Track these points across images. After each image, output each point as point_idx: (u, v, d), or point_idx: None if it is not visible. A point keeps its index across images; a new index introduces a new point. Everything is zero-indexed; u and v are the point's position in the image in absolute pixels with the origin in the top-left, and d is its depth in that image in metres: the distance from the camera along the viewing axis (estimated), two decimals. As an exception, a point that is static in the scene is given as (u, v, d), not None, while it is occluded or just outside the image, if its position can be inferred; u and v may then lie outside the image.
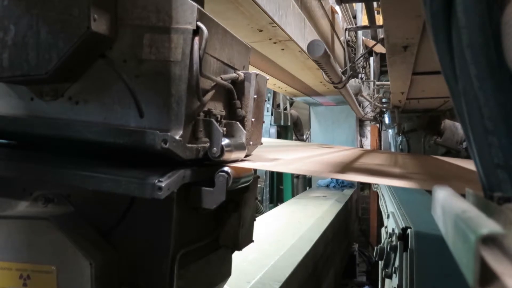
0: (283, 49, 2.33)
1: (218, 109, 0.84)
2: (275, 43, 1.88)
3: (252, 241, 0.94)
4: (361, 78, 4.41)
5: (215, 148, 0.76)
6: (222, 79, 0.82)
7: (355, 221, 5.50)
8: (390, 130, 5.60)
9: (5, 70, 0.73)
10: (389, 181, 0.91)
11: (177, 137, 0.69)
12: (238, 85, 0.88)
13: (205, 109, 0.79)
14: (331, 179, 5.37)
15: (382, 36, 2.79)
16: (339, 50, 4.10)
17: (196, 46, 0.72)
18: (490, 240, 0.27)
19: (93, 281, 0.69)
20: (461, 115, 0.41)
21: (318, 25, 3.23)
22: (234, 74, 0.86)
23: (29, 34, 0.72)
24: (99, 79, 0.76)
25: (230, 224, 0.88)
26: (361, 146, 6.01)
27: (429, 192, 0.49)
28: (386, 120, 5.21)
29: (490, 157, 0.39)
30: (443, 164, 2.20)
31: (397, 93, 3.43)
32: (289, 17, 1.84)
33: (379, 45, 3.77)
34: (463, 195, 0.42)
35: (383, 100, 4.74)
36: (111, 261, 0.73)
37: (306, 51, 2.21)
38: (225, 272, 0.96)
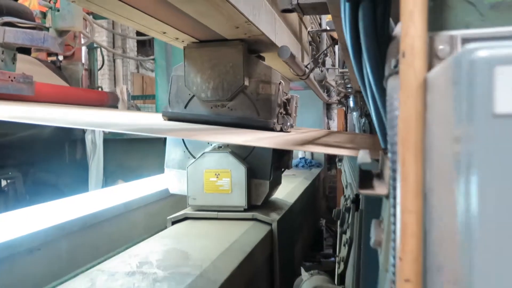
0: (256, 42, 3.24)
1: (282, 110, 2.77)
2: (249, 37, 2.57)
3: (292, 167, 2.89)
4: (325, 67, 6.30)
5: (285, 127, 2.69)
6: (285, 98, 2.76)
7: (322, 198, 7.60)
8: (354, 113, 7.65)
9: (209, 97, 2.62)
10: (329, 150, 2.68)
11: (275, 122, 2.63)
12: (288, 100, 2.82)
13: (280, 110, 2.72)
14: (300, 159, 7.41)
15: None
16: (306, 38, 5.91)
17: (280, 89, 2.65)
18: (364, 165, 0.88)
19: (246, 174, 2.61)
20: (369, 108, 0.90)
21: (287, 18, 4.92)
22: (288, 96, 2.79)
23: (219, 84, 2.61)
24: (241, 100, 2.67)
25: (284, 158, 2.83)
26: (328, 128, 8.10)
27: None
28: (351, 103, 7.25)
29: (384, 133, 0.81)
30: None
31: (356, 80, 5.32)
32: (261, 16, 2.48)
33: (343, 35, 5.61)
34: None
35: (348, 85, 6.72)
36: (248, 167, 2.64)
37: (275, 42, 3.67)
38: (280, 181, 2.93)
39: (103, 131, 6.65)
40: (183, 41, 2.68)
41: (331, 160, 8.06)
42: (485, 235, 0.38)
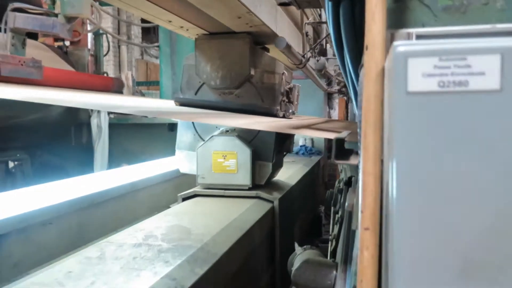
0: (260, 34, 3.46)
1: (285, 98, 2.90)
2: (251, 27, 2.71)
3: (293, 151, 3.03)
4: (326, 56, 6.39)
5: (287, 113, 2.82)
6: (287, 87, 2.89)
7: (321, 185, 7.73)
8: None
9: (218, 85, 2.77)
10: (321, 133, 2.71)
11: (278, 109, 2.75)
12: (291, 89, 2.94)
13: (283, 98, 2.84)
14: (300, 147, 7.54)
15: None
16: (308, 27, 6.01)
17: (283, 79, 2.78)
18: (342, 140, 1.09)
19: (251, 156, 2.76)
20: (350, 93, 1.17)
21: (288, 9, 5.03)
22: (291, 85, 2.92)
23: (227, 74, 2.75)
24: (247, 88, 2.80)
25: (286, 143, 2.97)
26: (329, 117, 8.21)
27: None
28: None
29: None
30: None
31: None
32: (263, 6, 2.62)
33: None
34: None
35: (349, 75, 6.85)
36: (253, 150, 2.78)
37: (277, 33, 3.45)
38: (282, 163, 3.07)
39: (108, 116, 6.77)
40: (187, 30, 2.80)
41: (332, 148, 8.17)
42: (401, 192, 0.52)
